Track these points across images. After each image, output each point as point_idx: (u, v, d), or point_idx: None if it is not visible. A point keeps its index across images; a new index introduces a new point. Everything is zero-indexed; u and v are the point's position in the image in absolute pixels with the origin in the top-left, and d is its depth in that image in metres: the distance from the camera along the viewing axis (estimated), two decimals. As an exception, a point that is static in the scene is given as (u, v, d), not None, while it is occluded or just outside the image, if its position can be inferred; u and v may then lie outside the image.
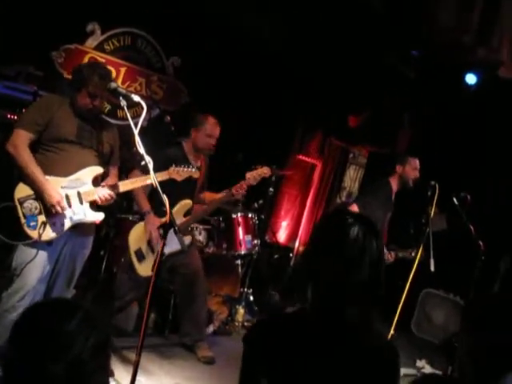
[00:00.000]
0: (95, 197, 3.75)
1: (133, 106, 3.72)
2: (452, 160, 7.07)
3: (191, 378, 4.48)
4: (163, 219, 4.24)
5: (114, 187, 3.82)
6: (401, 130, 8.37)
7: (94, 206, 3.84)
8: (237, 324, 5.91)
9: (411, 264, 5.22)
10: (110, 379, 3.97)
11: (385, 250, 5.45)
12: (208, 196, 5.07)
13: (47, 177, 3.61)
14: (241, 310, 5.99)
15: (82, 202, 3.73)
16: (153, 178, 3.17)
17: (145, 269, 4.52)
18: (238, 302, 6.03)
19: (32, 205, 3.55)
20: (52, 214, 3.60)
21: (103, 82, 3.74)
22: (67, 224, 3.68)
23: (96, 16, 6.09)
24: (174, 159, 4.43)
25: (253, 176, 4.81)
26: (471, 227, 5.35)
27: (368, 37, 6.85)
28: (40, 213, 3.58)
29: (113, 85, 3.55)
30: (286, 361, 1.75)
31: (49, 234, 3.61)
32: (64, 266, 3.85)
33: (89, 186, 3.75)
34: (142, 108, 3.33)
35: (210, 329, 5.47)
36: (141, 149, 3.24)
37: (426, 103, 7.48)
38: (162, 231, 3.09)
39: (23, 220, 3.53)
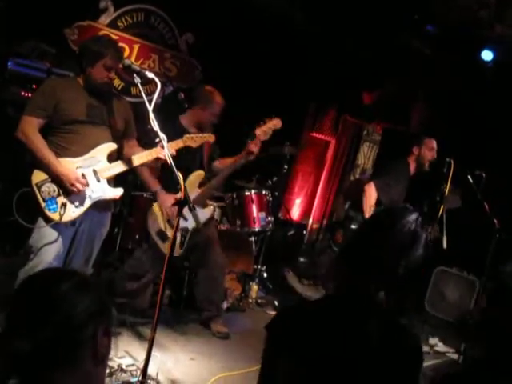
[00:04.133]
0: (111, 173, 3.76)
1: (147, 83, 3.69)
2: (468, 137, 7.01)
3: (206, 353, 4.51)
4: (177, 195, 4.24)
5: (128, 162, 3.80)
6: (415, 106, 8.31)
7: (112, 181, 3.84)
8: (250, 300, 5.95)
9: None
10: (125, 355, 4.02)
11: None
12: (222, 163, 4.94)
13: (61, 159, 3.60)
14: (254, 287, 6.02)
15: (98, 180, 3.72)
16: (167, 155, 3.17)
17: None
18: (252, 279, 6.06)
19: (50, 188, 3.55)
20: (71, 194, 3.60)
21: (119, 54, 3.76)
22: (87, 203, 3.69)
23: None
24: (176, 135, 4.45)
25: (263, 131, 4.56)
26: (486, 205, 5.33)
27: (383, 12, 6.77)
28: (59, 195, 3.58)
29: (127, 62, 3.54)
30: (308, 349, 1.75)
31: (70, 214, 3.62)
32: (82, 244, 3.87)
33: (104, 163, 3.74)
34: (156, 85, 3.32)
35: (224, 305, 5.50)
36: (155, 126, 3.24)
37: (441, 80, 7.41)
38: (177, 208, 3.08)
39: (43, 204, 3.54)
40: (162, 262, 4.50)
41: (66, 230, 3.71)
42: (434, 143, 5.56)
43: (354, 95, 8.30)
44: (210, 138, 4.21)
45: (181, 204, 3.07)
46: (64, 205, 3.58)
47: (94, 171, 3.70)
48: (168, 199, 4.42)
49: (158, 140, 3.30)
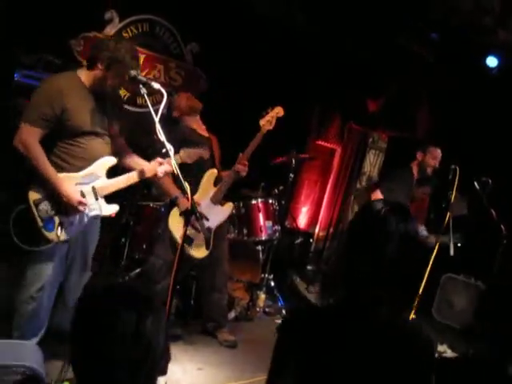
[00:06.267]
0: (110, 190, 3.65)
1: (152, 93, 3.63)
2: (473, 144, 7.00)
3: (214, 363, 4.51)
4: (195, 197, 4.34)
5: (127, 178, 3.72)
6: (420, 113, 8.30)
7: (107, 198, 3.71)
8: (258, 309, 5.93)
9: (431, 248, 5.20)
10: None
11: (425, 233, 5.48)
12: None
13: (60, 174, 3.44)
14: (262, 296, 6.00)
15: (97, 198, 3.60)
16: (174, 166, 3.18)
17: (197, 251, 4.55)
18: (259, 288, 6.04)
19: (48, 206, 3.40)
20: (68, 213, 3.47)
21: (137, 63, 3.60)
22: (84, 221, 3.58)
23: (114, 3, 6.09)
24: (186, 137, 4.56)
25: (267, 121, 4.69)
26: (492, 211, 5.33)
27: (386, 20, 6.79)
28: (56, 213, 3.44)
29: (132, 72, 3.49)
30: (318, 352, 1.74)
31: (66, 233, 3.49)
32: (78, 251, 3.78)
33: (103, 180, 3.63)
34: (162, 95, 3.30)
35: (232, 315, 5.50)
36: (161, 136, 3.24)
37: (446, 86, 7.41)
38: (184, 218, 3.09)
39: (40, 223, 3.39)
40: (184, 265, 4.48)
41: (62, 246, 3.59)
42: (439, 152, 5.60)
43: (358, 103, 8.31)
44: (204, 153, 4.20)
45: (188, 214, 3.07)
46: (61, 224, 3.44)
47: (93, 188, 3.59)
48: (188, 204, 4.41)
49: (164, 150, 3.30)
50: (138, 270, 5.56)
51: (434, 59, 7.43)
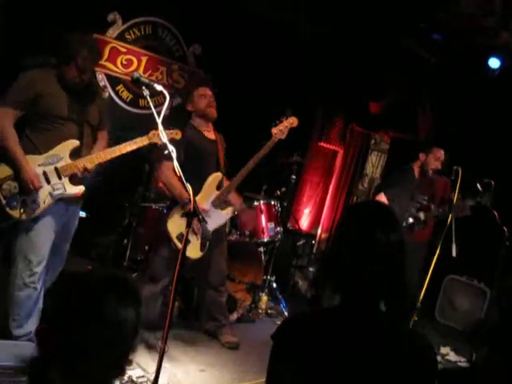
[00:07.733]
0: (73, 170, 3.77)
1: (155, 94, 3.61)
2: (475, 145, 7.00)
3: (216, 365, 4.51)
4: (197, 198, 4.35)
5: (91, 159, 3.82)
6: (422, 115, 8.30)
7: (76, 179, 3.83)
8: (260, 311, 5.93)
9: (434, 250, 5.19)
10: (135, 366, 4.01)
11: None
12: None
13: (26, 156, 3.65)
14: (264, 298, 6.00)
15: (60, 177, 3.76)
16: (177, 168, 3.16)
17: (192, 251, 4.49)
18: (262, 290, 6.04)
19: (11, 185, 3.61)
20: (30, 191, 3.63)
21: (93, 55, 3.79)
22: (48, 200, 3.72)
23: (117, 5, 6.10)
24: (191, 138, 4.55)
25: (279, 130, 4.68)
26: (495, 213, 5.32)
27: (389, 21, 6.79)
28: (20, 192, 3.63)
29: (135, 74, 3.48)
30: (314, 359, 1.72)
31: (30, 211, 3.67)
32: (59, 242, 3.94)
33: (65, 161, 3.77)
34: (164, 97, 3.30)
35: (234, 316, 5.50)
36: (164, 137, 3.24)
37: (448, 88, 7.41)
38: (186, 220, 3.07)
39: (3, 201, 3.60)
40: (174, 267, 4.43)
41: (46, 227, 3.75)
42: (442, 154, 5.59)
43: (361, 104, 8.31)
44: (176, 135, 4.21)
45: (189, 216, 3.06)
46: (24, 202, 3.64)
47: (56, 169, 3.74)
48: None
49: (166, 152, 3.28)
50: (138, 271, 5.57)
51: (437, 60, 7.43)
